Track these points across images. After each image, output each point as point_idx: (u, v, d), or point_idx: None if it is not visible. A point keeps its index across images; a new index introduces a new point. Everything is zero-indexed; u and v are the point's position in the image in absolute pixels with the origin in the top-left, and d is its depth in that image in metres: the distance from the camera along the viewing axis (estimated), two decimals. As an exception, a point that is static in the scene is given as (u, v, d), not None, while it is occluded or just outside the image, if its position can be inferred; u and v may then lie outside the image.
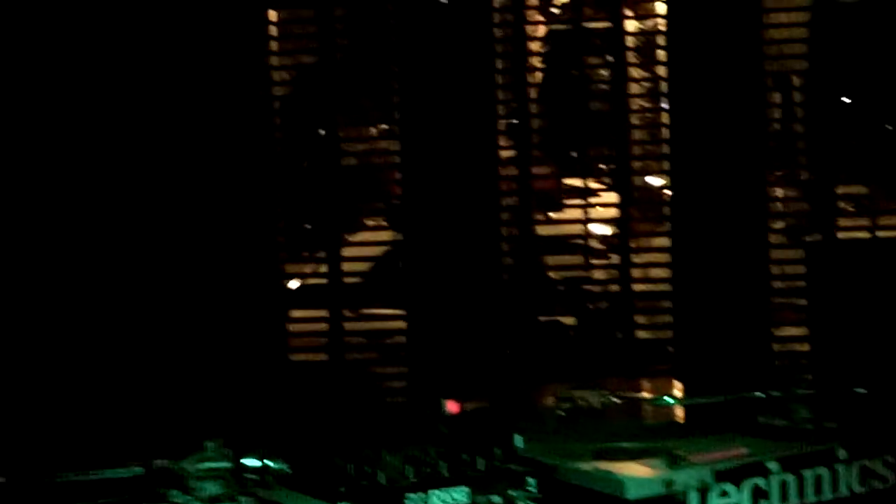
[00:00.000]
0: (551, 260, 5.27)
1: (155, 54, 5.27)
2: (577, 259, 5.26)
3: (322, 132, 5.43)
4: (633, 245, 5.14)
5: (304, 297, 5.53)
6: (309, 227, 5.58)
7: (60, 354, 5.19)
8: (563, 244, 5.35)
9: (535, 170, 5.21)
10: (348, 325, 5.35)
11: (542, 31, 5.27)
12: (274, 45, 5.38)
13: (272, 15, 5.39)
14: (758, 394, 2.80)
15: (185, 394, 5.10)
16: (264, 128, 5.37)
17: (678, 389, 4.79)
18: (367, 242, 5.49)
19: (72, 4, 5.27)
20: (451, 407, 2.56)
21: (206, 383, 5.15)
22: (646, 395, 3.65)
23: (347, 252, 5.38)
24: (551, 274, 5.29)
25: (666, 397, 3.15)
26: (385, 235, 5.51)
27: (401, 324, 5.28)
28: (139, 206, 5.33)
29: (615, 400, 2.82)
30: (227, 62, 5.29)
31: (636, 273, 5.12)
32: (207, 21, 5.26)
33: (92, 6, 5.26)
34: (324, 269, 5.43)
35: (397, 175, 5.28)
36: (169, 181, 5.32)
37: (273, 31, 5.39)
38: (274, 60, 5.39)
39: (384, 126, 5.36)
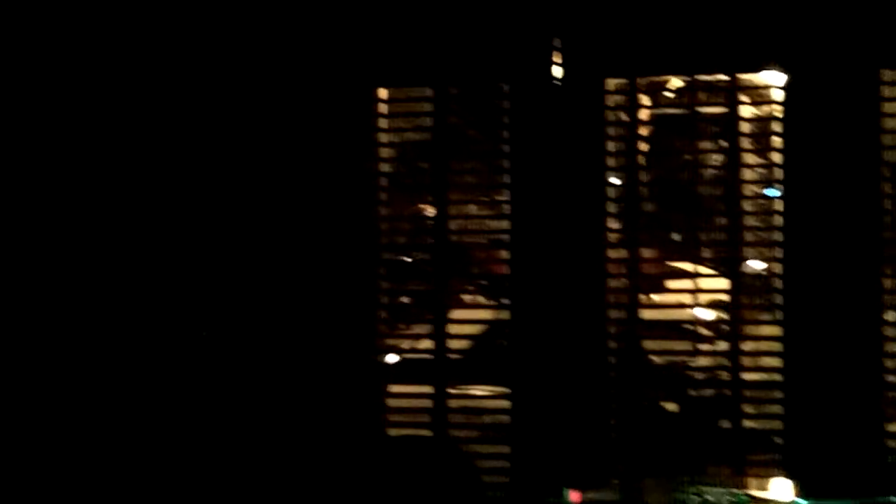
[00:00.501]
0: (656, 344, 5.21)
1: (263, 127, 5.34)
2: (683, 344, 5.20)
3: (428, 208, 5.45)
4: (742, 332, 5.06)
5: (405, 372, 5.52)
6: (411, 301, 5.58)
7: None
8: (670, 328, 5.30)
9: (644, 252, 5.17)
10: (450, 402, 5.33)
11: (654, 114, 5.26)
12: (383, 123, 5.42)
13: (382, 93, 5.43)
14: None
15: (281, 468, 5.12)
16: (369, 203, 5.40)
17: (786, 482, 4.71)
18: (472, 320, 5.47)
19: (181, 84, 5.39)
20: (574, 497, 2.54)
21: (302, 456, 5.16)
22: (774, 497, 3.58)
23: (451, 328, 5.36)
24: (656, 358, 5.24)
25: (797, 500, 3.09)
26: (490, 313, 5.50)
27: (504, 403, 5.25)
28: (243, 277, 5.39)
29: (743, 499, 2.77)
30: (334, 138, 5.34)
31: (745, 361, 5.04)
32: (315, 97, 5.32)
33: (203, 84, 5.37)
34: (426, 344, 5.43)
35: (505, 253, 5.27)
36: (274, 253, 5.37)
37: (382, 108, 5.42)
38: (382, 137, 5.42)
39: (493, 204, 5.35)
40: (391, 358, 5.53)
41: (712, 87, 5.10)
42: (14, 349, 5.43)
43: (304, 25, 5.32)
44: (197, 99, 5.39)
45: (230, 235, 5.38)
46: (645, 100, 5.20)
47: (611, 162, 5.15)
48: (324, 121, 5.34)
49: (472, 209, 5.52)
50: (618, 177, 5.15)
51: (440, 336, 5.34)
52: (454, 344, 5.36)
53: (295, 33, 5.33)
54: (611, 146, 5.16)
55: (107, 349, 5.39)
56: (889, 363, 4.90)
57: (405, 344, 5.53)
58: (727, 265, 5.08)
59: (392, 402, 5.41)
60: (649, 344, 5.16)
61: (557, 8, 5.09)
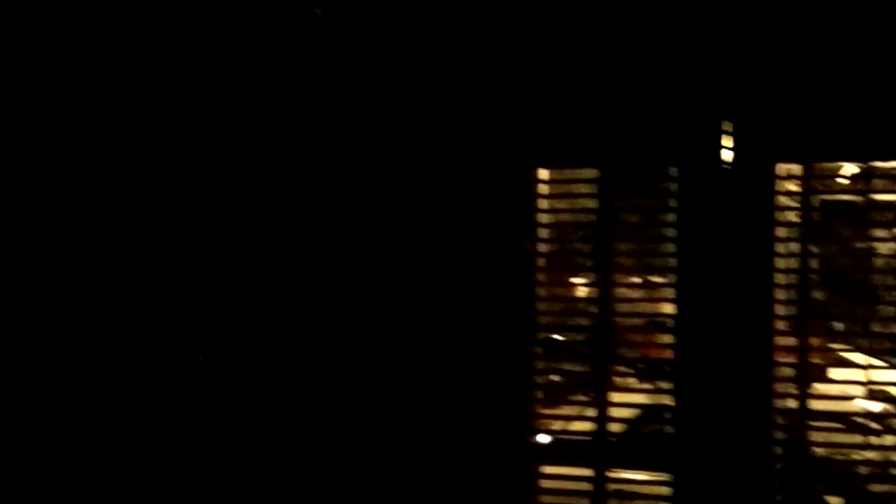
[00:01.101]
0: (823, 436, 5.07)
1: (421, 200, 5.36)
2: (851, 437, 5.05)
3: (587, 287, 5.40)
4: (914, 427, 4.92)
5: (560, 453, 5.46)
6: (565, 380, 5.52)
7: None
8: (837, 420, 5.16)
9: (812, 341, 5.05)
10: (607, 485, 5.25)
11: (826, 200, 5.15)
12: (542, 203, 5.39)
13: (542, 173, 5.41)
14: None
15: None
16: (526, 281, 5.37)
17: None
18: (631, 403, 5.39)
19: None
20: None
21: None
22: None
23: (610, 410, 5.29)
24: (822, 451, 5.10)
25: None
26: (650, 397, 5.41)
27: (664, 490, 5.15)
28: (401, 348, 5.40)
29: None
30: (492, 215, 5.33)
31: (916, 456, 4.89)
32: (474, 175, 5.33)
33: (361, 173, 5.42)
34: (582, 425, 5.36)
35: (668, 337, 5.19)
36: (431, 327, 5.37)
37: (542, 188, 5.40)
38: (541, 217, 5.39)
39: (658, 286, 5.28)
40: (545, 438, 5.48)
41: (888, 175, 4.98)
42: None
43: (467, 102, 5.34)
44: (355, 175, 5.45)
45: (384, 314, 5.41)
46: (817, 185, 5.09)
47: (780, 248, 5.05)
48: (481, 198, 5.34)
49: (634, 292, 5.46)
50: (787, 263, 5.04)
51: (599, 417, 5.26)
52: (613, 426, 5.29)
53: (458, 109, 5.35)
54: (780, 232, 5.07)
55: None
56: None
57: (560, 424, 5.48)
58: (900, 357, 4.94)
59: (545, 483, 5.36)
60: (815, 436, 5.03)
61: (728, 91, 5.03)
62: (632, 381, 5.68)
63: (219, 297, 5.49)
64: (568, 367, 5.47)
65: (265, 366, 5.49)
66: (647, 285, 5.51)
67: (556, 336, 5.50)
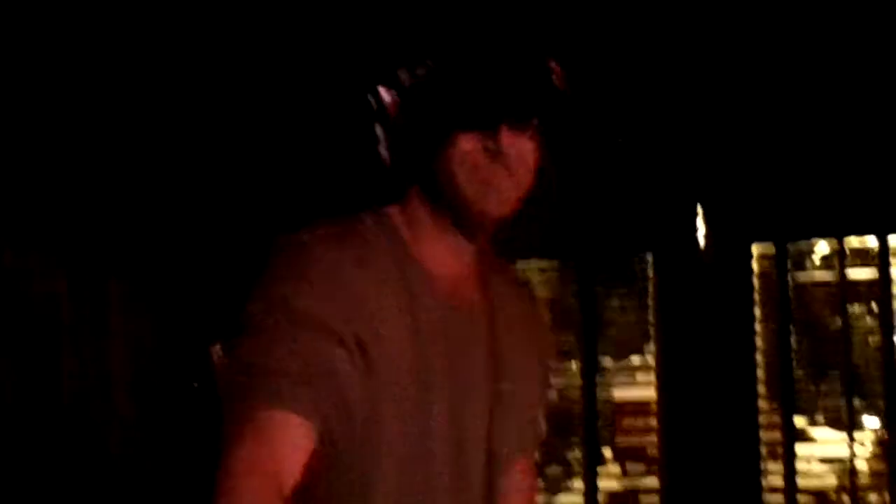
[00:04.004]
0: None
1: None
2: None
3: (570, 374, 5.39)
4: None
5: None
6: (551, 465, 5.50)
7: None
8: (821, 497, 5.17)
9: (797, 421, 5.06)
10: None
11: (803, 279, 5.19)
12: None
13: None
14: None
15: None
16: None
17: None
18: (617, 492, 5.38)
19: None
20: None
21: None
22: None
23: (597, 496, 5.27)
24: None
25: None
26: (636, 480, 5.40)
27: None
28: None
29: None
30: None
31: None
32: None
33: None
34: None
35: (653, 420, 5.18)
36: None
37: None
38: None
39: (640, 370, 5.29)
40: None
41: (862, 253, 5.03)
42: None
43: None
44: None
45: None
46: (792, 265, 5.13)
47: (758, 327, 5.07)
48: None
49: (618, 377, 5.47)
50: (766, 344, 5.06)
51: (589, 498, 5.23)
52: None
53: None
54: (758, 311, 5.09)
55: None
56: None
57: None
58: (886, 433, 4.94)
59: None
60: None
61: (700, 175, 5.06)
62: (617, 466, 5.67)
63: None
64: (549, 453, 5.45)
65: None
66: (629, 370, 5.51)
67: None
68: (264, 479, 1.89)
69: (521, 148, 2.08)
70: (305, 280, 1.99)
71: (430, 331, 2.08)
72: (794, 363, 5.06)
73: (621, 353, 5.42)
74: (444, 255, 2.14)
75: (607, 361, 5.34)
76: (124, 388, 4.58)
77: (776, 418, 5.04)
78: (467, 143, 2.05)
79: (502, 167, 2.07)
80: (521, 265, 5.19)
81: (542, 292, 5.55)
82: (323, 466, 2.00)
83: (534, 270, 5.35)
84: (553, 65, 2.10)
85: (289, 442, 1.93)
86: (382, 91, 2.08)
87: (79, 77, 4.79)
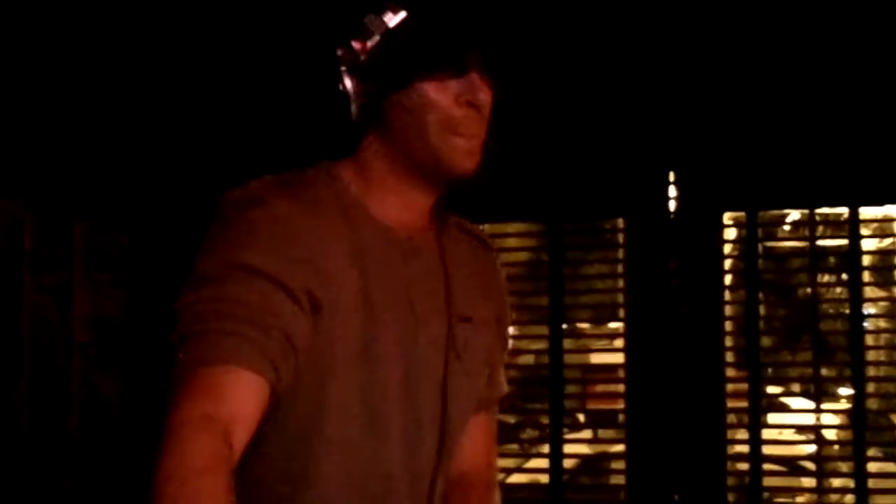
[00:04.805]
0: (777, 481, 5.10)
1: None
2: (806, 482, 5.09)
3: (538, 338, 5.38)
4: (865, 471, 4.93)
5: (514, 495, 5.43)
6: (514, 429, 5.50)
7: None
8: (791, 466, 5.20)
9: (764, 388, 5.06)
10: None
11: (773, 248, 5.19)
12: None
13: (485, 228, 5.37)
14: None
15: None
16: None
17: None
18: (583, 454, 5.38)
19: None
20: None
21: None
22: None
23: (562, 460, 5.28)
24: (777, 497, 5.12)
25: None
26: (602, 446, 5.41)
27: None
28: None
29: None
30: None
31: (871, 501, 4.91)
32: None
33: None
34: (530, 476, 5.34)
35: (620, 386, 5.18)
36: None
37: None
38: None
39: (608, 336, 5.30)
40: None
41: (833, 222, 5.02)
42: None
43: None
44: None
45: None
46: (763, 233, 5.12)
47: (728, 295, 5.07)
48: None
49: (585, 342, 5.46)
50: (736, 311, 5.06)
51: (552, 467, 5.23)
52: (564, 475, 5.27)
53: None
54: (728, 279, 5.09)
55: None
56: None
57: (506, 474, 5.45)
58: (852, 403, 4.95)
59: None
60: (769, 481, 5.03)
61: (674, 142, 5.05)
62: (583, 431, 5.69)
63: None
64: (517, 417, 5.46)
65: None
66: (597, 335, 5.52)
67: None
68: (213, 435, 1.81)
69: (486, 98, 2.06)
70: (254, 233, 1.97)
71: (380, 285, 2.06)
72: (762, 331, 5.05)
73: (598, 318, 5.43)
74: (399, 209, 2.11)
75: (584, 326, 5.35)
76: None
77: (744, 386, 5.04)
78: (438, 92, 2.02)
79: (476, 115, 2.05)
80: (498, 227, 5.21)
81: (519, 256, 5.55)
82: (271, 423, 1.98)
83: (511, 232, 5.35)
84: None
85: (241, 396, 1.88)
86: (353, 42, 2.05)
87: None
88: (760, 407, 5.00)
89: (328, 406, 2.02)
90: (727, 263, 5.06)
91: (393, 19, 2.02)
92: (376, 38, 2.03)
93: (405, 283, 2.09)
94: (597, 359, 5.45)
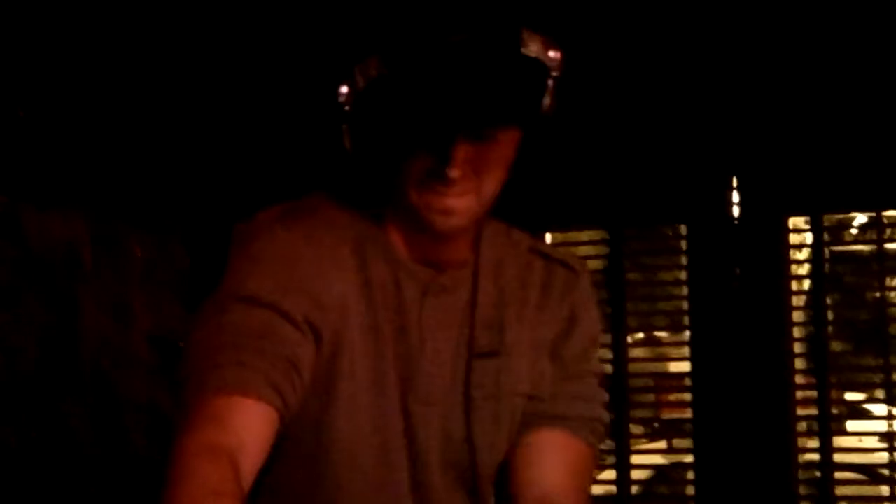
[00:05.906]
0: (850, 490, 5.01)
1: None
2: (876, 489, 4.99)
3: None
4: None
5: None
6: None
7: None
8: (862, 473, 5.10)
9: (833, 394, 4.98)
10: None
11: (838, 251, 5.11)
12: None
13: (546, 237, 5.33)
14: None
15: None
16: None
17: None
18: (650, 465, 5.33)
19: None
20: None
21: None
22: None
23: (630, 471, 5.22)
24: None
25: None
26: (670, 456, 5.35)
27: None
28: None
29: None
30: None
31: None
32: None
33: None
34: (598, 488, 5.29)
35: (686, 395, 5.12)
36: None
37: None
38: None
39: (673, 344, 5.24)
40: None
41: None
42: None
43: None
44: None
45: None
46: (828, 236, 5.05)
47: (795, 301, 5.00)
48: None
49: (649, 350, 5.41)
50: (804, 315, 4.99)
51: (619, 479, 5.18)
52: (632, 487, 5.21)
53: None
54: (794, 285, 5.02)
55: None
56: None
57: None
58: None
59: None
60: (840, 489, 4.95)
61: (735, 147, 4.99)
62: (651, 441, 5.63)
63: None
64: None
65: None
66: (662, 343, 5.46)
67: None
68: (220, 464, 1.76)
69: (485, 156, 1.92)
70: (255, 263, 1.94)
71: (388, 319, 2.00)
72: (831, 336, 4.97)
73: (662, 326, 5.38)
74: (424, 244, 2.02)
75: (648, 334, 5.30)
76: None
77: (813, 393, 4.96)
78: (417, 161, 1.92)
79: (449, 191, 1.92)
80: (559, 236, 5.19)
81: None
82: (278, 454, 1.93)
83: (575, 241, 5.32)
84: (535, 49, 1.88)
85: (247, 425, 1.83)
86: (342, 88, 1.93)
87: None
88: (831, 413, 4.92)
89: (329, 437, 1.98)
90: (792, 268, 4.99)
91: (375, 75, 1.89)
92: (360, 86, 1.91)
93: (418, 319, 2.02)
94: (662, 367, 5.40)
